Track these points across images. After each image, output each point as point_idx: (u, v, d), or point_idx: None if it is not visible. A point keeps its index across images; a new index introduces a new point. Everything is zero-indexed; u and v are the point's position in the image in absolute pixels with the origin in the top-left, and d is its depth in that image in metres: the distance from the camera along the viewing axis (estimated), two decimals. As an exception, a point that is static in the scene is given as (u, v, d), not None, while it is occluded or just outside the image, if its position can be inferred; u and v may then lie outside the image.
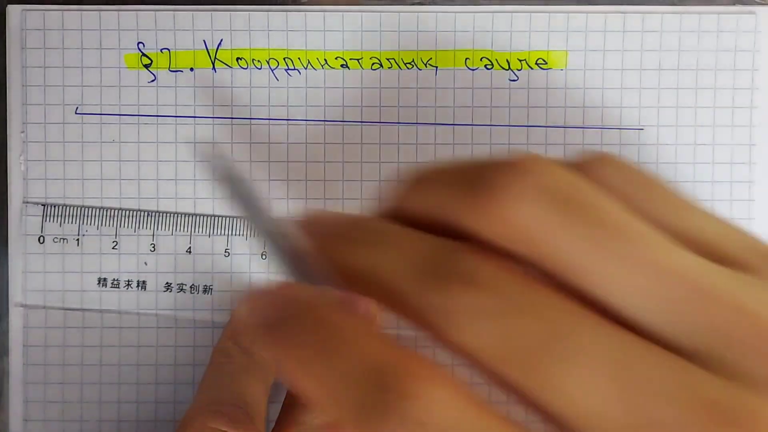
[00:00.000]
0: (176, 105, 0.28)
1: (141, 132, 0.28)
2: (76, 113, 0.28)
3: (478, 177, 0.12)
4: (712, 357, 0.11)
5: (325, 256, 0.14)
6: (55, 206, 0.28)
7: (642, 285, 0.11)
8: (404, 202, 0.14)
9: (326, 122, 0.28)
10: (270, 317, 0.13)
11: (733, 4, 0.28)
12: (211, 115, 0.28)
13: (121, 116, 0.28)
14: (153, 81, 0.28)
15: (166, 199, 0.28)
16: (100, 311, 0.28)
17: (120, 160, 0.28)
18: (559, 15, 0.28)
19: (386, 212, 0.14)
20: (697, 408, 0.11)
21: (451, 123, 0.28)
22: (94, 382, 0.28)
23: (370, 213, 0.15)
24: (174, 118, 0.28)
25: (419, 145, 0.28)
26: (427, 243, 0.13)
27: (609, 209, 0.12)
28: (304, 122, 0.28)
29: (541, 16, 0.28)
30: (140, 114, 0.28)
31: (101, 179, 0.28)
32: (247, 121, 0.28)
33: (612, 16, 0.28)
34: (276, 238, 0.15)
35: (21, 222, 0.28)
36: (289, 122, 0.28)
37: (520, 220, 0.12)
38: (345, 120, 0.28)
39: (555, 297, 0.12)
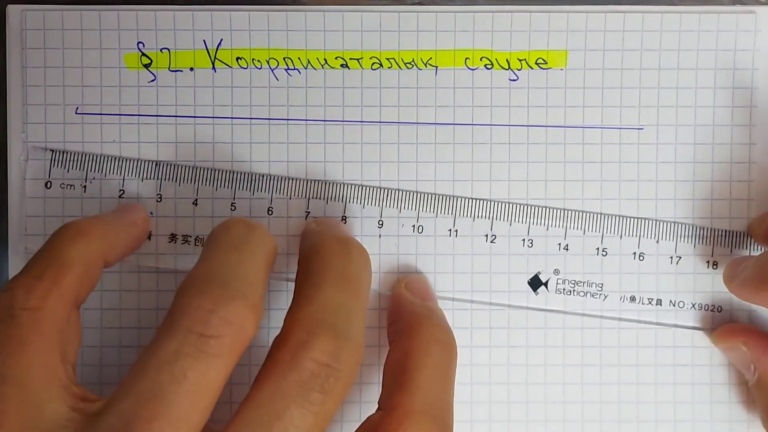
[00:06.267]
0: (176, 105, 0.28)
1: (141, 132, 0.28)
2: (76, 113, 0.28)
3: None
4: None
5: None
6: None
7: None
8: None
9: (326, 122, 0.28)
10: None
11: (733, 4, 0.28)
12: (211, 115, 0.28)
13: (121, 116, 0.28)
14: (153, 81, 0.28)
15: (166, 199, 0.28)
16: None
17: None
18: (559, 15, 0.28)
19: None
20: None
21: (451, 123, 0.28)
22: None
23: None
24: (174, 118, 0.28)
25: (419, 144, 0.28)
26: None
27: None
28: (304, 122, 0.28)
29: (541, 15, 0.28)
30: (140, 114, 0.28)
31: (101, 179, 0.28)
32: (247, 120, 0.28)
33: (612, 15, 0.28)
34: None
35: (21, 222, 0.28)
36: (289, 122, 0.28)
37: None
38: (345, 120, 0.28)
39: None
